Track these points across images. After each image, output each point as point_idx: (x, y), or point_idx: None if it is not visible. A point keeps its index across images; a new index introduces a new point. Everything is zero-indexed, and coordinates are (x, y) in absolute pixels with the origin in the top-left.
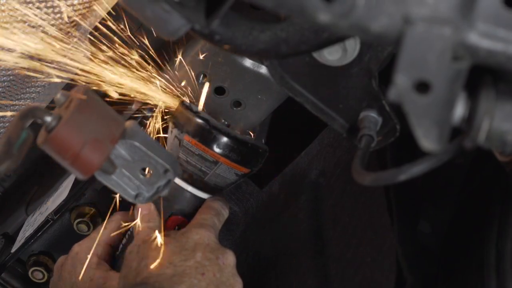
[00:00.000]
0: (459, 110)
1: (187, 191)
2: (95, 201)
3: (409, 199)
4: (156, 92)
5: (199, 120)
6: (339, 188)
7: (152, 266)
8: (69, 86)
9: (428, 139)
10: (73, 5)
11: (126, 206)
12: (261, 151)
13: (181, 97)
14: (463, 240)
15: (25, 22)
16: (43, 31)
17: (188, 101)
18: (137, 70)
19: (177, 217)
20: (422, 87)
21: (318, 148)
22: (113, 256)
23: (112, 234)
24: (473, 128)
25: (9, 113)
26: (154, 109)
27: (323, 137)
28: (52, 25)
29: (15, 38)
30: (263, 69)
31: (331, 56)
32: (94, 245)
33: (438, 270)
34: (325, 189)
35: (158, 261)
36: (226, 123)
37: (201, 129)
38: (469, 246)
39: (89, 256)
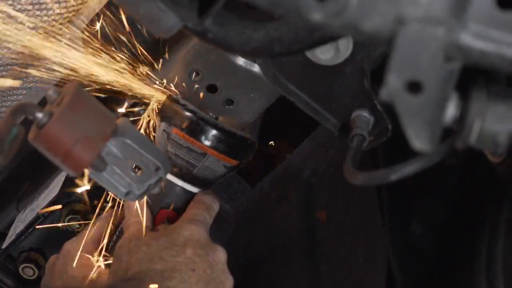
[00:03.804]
0: (451, 111)
1: (177, 185)
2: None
3: (401, 199)
4: (148, 89)
5: (186, 112)
6: (331, 187)
7: (142, 261)
8: (61, 83)
9: (419, 139)
10: (66, 1)
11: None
12: (249, 143)
13: (172, 93)
14: (456, 240)
15: (17, 18)
16: (34, 27)
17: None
18: (129, 67)
19: (167, 211)
20: (414, 87)
21: (310, 147)
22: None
23: (103, 231)
24: (465, 129)
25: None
26: (146, 106)
27: (315, 136)
28: (45, 21)
29: (7, 34)
30: (256, 68)
31: (324, 55)
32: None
33: (431, 270)
34: (317, 189)
35: (148, 256)
36: (214, 116)
37: (188, 121)
38: (461, 246)
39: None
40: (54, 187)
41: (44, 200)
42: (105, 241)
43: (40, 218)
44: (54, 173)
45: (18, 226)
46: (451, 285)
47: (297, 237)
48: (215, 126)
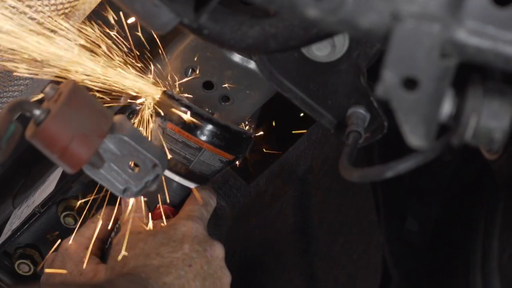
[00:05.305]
0: (447, 107)
1: (173, 181)
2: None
3: (396, 196)
4: (144, 85)
5: (181, 107)
6: (326, 184)
7: (138, 257)
8: (58, 80)
9: (415, 136)
10: None
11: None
12: (244, 137)
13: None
14: (450, 237)
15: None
16: (31, 23)
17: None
18: (125, 63)
19: (164, 207)
20: (410, 83)
21: (306, 144)
22: (103, 249)
23: (101, 228)
24: (460, 125)
25: None
26: (142, 102)
27: (311, 133)
28: (41, 16)
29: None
30: (252, 64)
31: (320, 52)
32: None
33: (426, 267)
34: (312, 186)
35: (145, 252)
36: (210, 111)
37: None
38: (456, 243)
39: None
40: (50, 183)
41: (40, 196)
42: (103, 237)
43: (36, 214)
44: (50, 169)
45: (13, 223)
46: (447, 282)
47: (291, 235)
48: (210, 121)
